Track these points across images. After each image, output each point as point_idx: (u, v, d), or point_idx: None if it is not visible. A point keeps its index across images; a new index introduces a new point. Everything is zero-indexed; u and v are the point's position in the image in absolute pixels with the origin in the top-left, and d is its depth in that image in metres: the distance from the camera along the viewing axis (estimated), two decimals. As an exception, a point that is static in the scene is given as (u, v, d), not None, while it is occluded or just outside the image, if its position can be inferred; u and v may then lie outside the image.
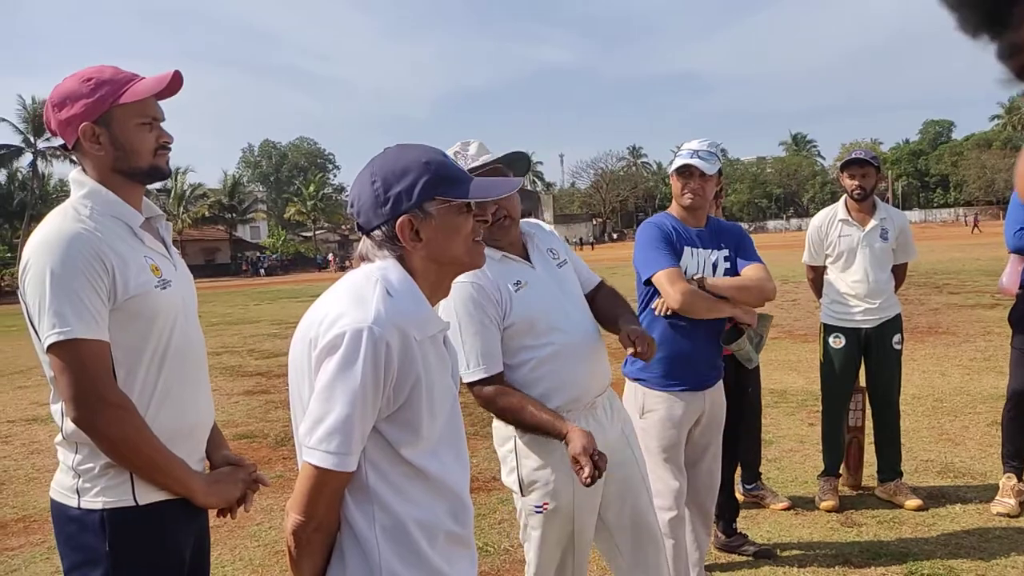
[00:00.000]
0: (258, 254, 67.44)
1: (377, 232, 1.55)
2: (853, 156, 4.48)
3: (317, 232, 78.93)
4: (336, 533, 1.50)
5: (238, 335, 15.14)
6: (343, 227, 77.77)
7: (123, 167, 1.82)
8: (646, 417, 3.08)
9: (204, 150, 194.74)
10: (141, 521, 1.77)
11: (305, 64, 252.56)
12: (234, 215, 68.58)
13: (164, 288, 1.82)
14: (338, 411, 1.40)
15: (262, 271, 59.18)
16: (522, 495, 2.43)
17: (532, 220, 2.69)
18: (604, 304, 2.63)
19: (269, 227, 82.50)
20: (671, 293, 2.97)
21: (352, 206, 1.59)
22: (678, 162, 3.16)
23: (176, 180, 62.37)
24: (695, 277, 3.08)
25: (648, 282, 3.10)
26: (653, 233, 3.12)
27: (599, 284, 2.71)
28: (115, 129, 1.80)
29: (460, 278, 2.26)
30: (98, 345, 1.70)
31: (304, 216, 77.96)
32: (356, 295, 1.49)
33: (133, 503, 1.76)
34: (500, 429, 2.48)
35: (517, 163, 2.41)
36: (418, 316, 1.50)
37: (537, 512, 2.42)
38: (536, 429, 2.31)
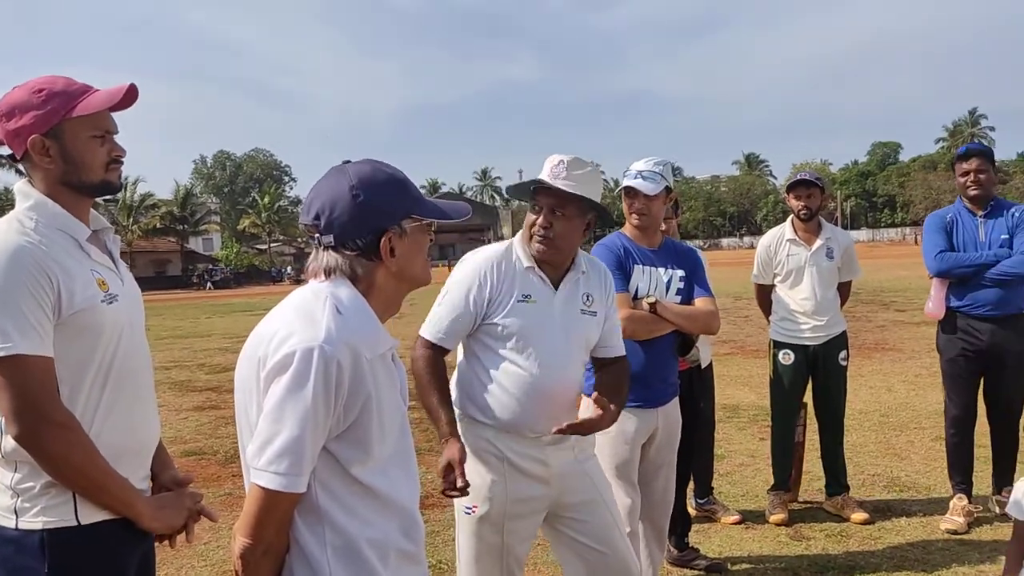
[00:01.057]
0: (210, 266, 66.24)
1: (351, 245, 1.51)
2: (799, 178, 4.61)
3: (272, 245, 77.89)
4: (285, 555, 1.47)
5: (188, 349, 14.83)
6: (298, 240, 76.90)
7: (73, 180, 1.77)
8: (598, 434, 3.08)
9: (156, 160, 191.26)
10: (83, 542, 1.71)
11: (263, 76, 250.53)
12: (186, 226, 67.32)
13: (110, 303, 1.77)
14: (288, 431, 1.38)
15: (209, 285, 57.47)
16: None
17: (600, 263, 2.70)
18: (608, 379, 2.62)
19: (223, 239, 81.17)
20: None
21: (319, 217, 1.52)
22: (624, 183, 3.22)
23: (126, 190, 61.07)
24: (648, 300, 3.11)
25: None
26: (603, 255, 3.14)
27: (619, 358, 2.67)
28: (66, 142, 1.74)
29: (477, 256, 2.45)
30: (42, 361, 1.64)
31: (259, 228, 76.90)
32: (305, 313, 1.46)
33: (75, 523, 1.70)
34: None
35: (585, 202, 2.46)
36: (369, 334, 1.49)
37: (466, 513, 2.46)
38: (427, 412, 2.44)
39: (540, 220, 2.44)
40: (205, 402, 8.94)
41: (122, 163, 1.86)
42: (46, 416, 1.64)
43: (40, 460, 1.66)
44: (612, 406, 2.45)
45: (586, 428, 2.41)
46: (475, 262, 2.49)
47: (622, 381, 2.66)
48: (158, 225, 62.24)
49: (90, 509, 1.72)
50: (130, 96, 1.80)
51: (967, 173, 4.27)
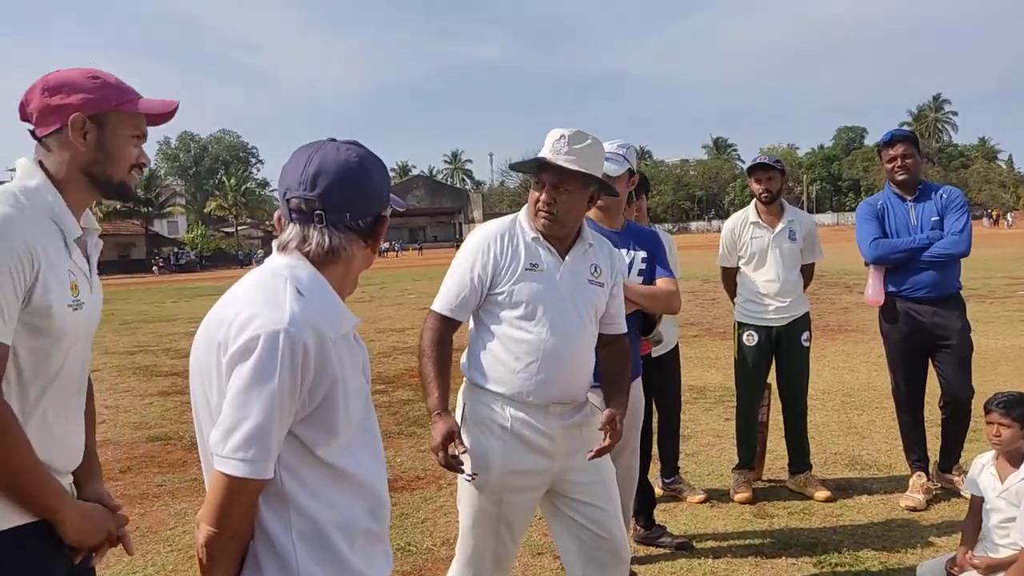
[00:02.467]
0: (175, 249, 65.25)
1: (353, 225, 1.51)
2: (758, 161, 4.64)
3: (240, 228, 76.91)
4: (250, 541, 1.45)
5: (153, 334, 14.63)
6: (266, 223, 76.00)
7: (97, 172, 1.74)
8: None
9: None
10: (2, 548, 1.59)
11: (228, 53, 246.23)
12: (150, 209, 66.22)
13: (76, 309, 1.70)
14: (255, 417, 1.36)
15: (155, 269, 56.11)
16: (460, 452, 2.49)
17: (603, 238, 2.72)
18: (609, 363, 2.66)
19: (188, 222, 79.93)
20: None
21: (327, 193, 1.47)
22: None
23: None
24: None
25: None
26: None
27: (619, 336, 2.70)
28: (107, 131, 1.73)
29: (483, 229, 2.52)
30: None
31: (226, 211, 75.86)
32: (267, 295, 1.43)
33: None
34: (460, 390, 2.59)
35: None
36: (332, 315, 1.48)
37: (467, 480, 2.48)
38: (422, 383, 2.49)
39: (544, 196, 2.46)
40: (170, 387, 8.83)
41: (144, 171, 1.89)
42: None
43: None
44: (613, 412, 2.50)
45: (609, 443, 2.49)
46: (481, 234, 2.53)
47: (625, 363, 2.71)
48: (119, 207, 60.98)
49: (7, 511, 1.60)
50: (173, 113, 1.83)
51: (894, 159, 4.35)
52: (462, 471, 2.42)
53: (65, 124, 1.69)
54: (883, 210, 4.42)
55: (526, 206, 2.58)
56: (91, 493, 1.85)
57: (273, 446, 1.38)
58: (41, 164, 1.72)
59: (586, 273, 2.55)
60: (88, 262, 1.81)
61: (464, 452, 2.38)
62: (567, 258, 2.52)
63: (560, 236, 2.53)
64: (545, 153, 2.45)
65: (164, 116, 1.83)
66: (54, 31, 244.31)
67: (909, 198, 4.37)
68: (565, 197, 2.46)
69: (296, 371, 1.37)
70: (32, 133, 1.74)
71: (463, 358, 2.61)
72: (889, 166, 4.40)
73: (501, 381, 2.46)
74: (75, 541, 1.71)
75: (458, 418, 2.53)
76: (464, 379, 2.60)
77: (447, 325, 2.54)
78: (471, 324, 2.62)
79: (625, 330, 2.72)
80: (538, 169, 2.50)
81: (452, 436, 2.38)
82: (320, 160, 1.50)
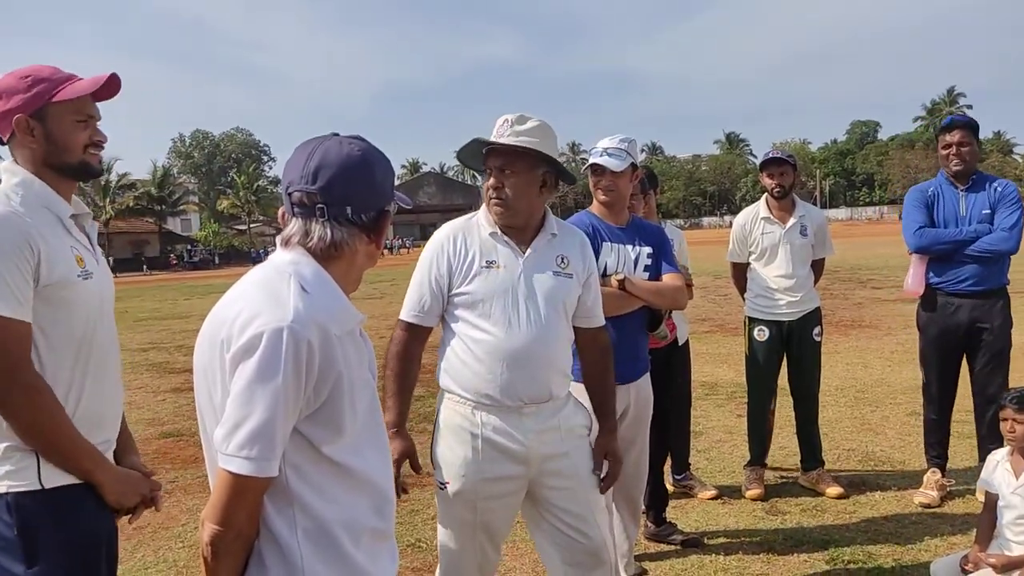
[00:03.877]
0: (189, 247, 65.56)
1: (356, 219, 1.50)
2: (771, 156, 4.59)
3: (252, 225, 77.16)
4: (255, 540, 1.45)
5: (167, 331, 14.71)
6: (278, 220, 76.06)
7: (54, 161, 1.88)
8: None
9: (132, 139, 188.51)
10: (49, 505, 1.77)
11: (240, 54, 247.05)
12: (164, 207, 66.51)
13: (86, 279, 1.86)
14: (259, 415, 1.35)
15: (144, 267, 56.00)
16: (433, 467, 2.49)
17: (576, 229, 2.66)
18: (591, 365, 2.64)
19: (202, 220, 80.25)
20: None
21: (329, 187, 1.47)
22: (589, 160, 3.21)
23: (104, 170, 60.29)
24: (617, 277, 3.09)
25: None
26: None
27: (597, 330, 2.64)
28: (49, 124, 1.86)
29: (439, 232, 2.48)
30: (17, 324, 1.71)
31: (238, 209, 76.07)
32: (270, 292, 1.42)
33: (39, 487, 1.76)
34: (438, 400, 2.55)
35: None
36: (337, 311, 1.47)
37: (440, 488, 2.46)
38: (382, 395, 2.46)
39: (491, 182, 2.41)
40: (183, 384, 8.87)
41: (102, 148, 1.97)
42: (15, 377, 1.71)
43: (8, 420, 1.73)
44: (608, 443, 2.56)
45: (610, 478, 2.57)
46: (436, 237, 2.49)
47: (607, 359, 2.66)
48: (132, 205, 61.31)
49: (54, 473, 1.78)
50: (112, 84, 1.92)
51: (949, 146, 4.19)
52: (403, 493, 2.37)
53: (13, 130, 1.86)
54: (933, 197, 4.26)
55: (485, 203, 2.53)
56: (127, 463, 2.05)
57: (278, 444, 1.37)
58: (18, 162, 1.89)
59: (551, 264, 2.46)
60: (89, 239, 1.98)
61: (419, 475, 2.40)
62: (528, 251, 2.45)
63: (518, 226, 2.45)
64: (489, 137, 2.40)
65: (103, 93, 1.93)
66: (68, 34, 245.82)
67: (961, 187, 4.21)
68: (513, 180, 2.39)
69: (300, 368, 1.36)
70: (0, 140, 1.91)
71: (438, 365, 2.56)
72: (944, 152, 4.22)
73: (468, 385, 2.40)
74: (113, 502, 1.90)
75: (434, 424, 2.52)
76: (441, 386, 2.55)
77: (414, 334, 2.49)
78: (441, 330, 2.57)
79: (603, 323, 2.66)
80: (486, 153, 2.44)
81: (407, 456, 2.38)
82: (322, 154, 1.49)
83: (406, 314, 2.49)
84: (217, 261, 60.55)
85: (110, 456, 1.97)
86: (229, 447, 1.36)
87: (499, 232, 2.44)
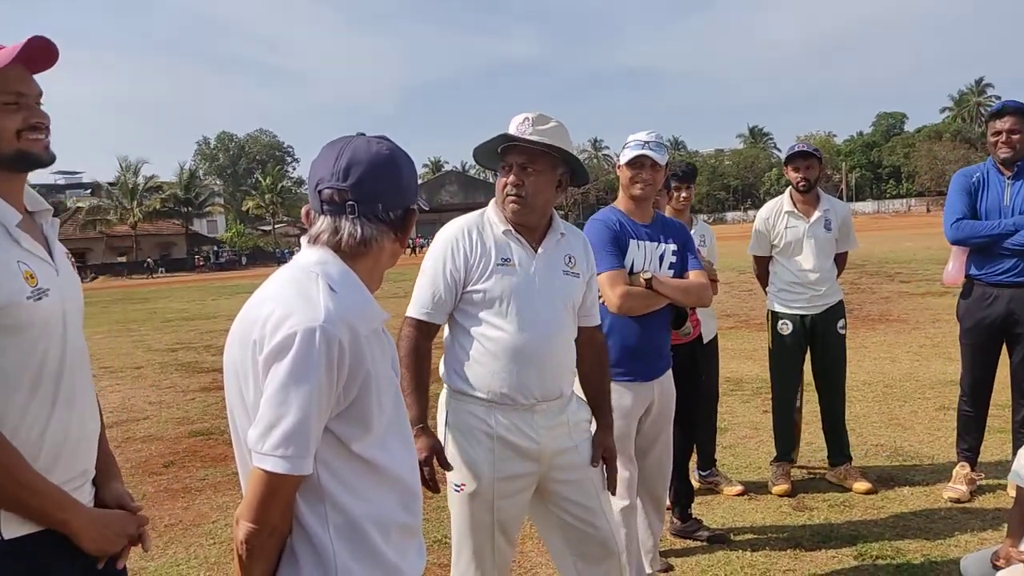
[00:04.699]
0: (215, 248, 66.29)
1: (384, 216, 1.52)
2: (796, 149, 4.55)
3: (276, 226, 77.85)
4: (287, 536, 1.47)
5: (195, 331, 14.90)
6: (303, 219, 76.64)
7: None
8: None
9: (159, 143, 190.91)
10: (11, 557, 1.54)
11: (263, 55, 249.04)
12: (190, 209, 67.31)
13: (38, 299, 1.58)
14: (293, 415, 1.36)
15: (157, 271, 55.92)
16: (445, 470, 2.46)
17: (578, 230, 2.68)
18: (588, 363, 2.64)
19: (227, 221, 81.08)
20: (611, 296, 3.00)
21: (360, 184, 1.49)
22: (630, 154, 3.15)
23: (127, 172, 61.25)
24: (644, 276, 3.08)
25: None
26: (599, 231, 3.10)
27: (594, 329, 2.66)
28: None
29: (449, 228, 2.44)
30: None
31: (262, 210, 76.79)
32: (300, 293, 1.44)
33: None
34: (440, 397, 2.54)
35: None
36: (364, 310, 1.49)
37: (455, 491, 2.46)
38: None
39: (511, 179, 2.40)
40: (212, 383, 8.99)
41: (43, 130, 1.63)
42: None
43: None
44: (606, 444, 2.59)
45: (611, 478, 2.61)
46: (448, 233, 2.46)
47: (604, 357, 2.68)
48: (158, 207, 62.11)
49: (16, 522, 1.55)
50: (40, 51, 1.58)
51: (999, 133, 4.07)
52: (437, 490, 2.38)
53: None
54: (978, 184, 4.15)
55: (493, 200, 2.52)
56: (110, 493, 1.79)
57: (312, 442, 1.39)
58: None
59: (560, 264, 2.48)
60: (47, 245, 1.69)
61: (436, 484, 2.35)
62: (540, 250, 2.45)
63: (531, 225, 2.46)
64: (511, 133, 2.38)
65: (37, 63, 1.61)
66: (92, 34, 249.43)
67: (1008, 175, 4.10)
68: (534, 179, 2.39)
69: (332, 367, 1.38)
70: None
71: (440, 364, 2.53)
72: (993, 139, 4.11)
73: (482, 384, 2.39)
74: (93, 549, 1.65)
75: (441, 425, 2.49)
76: (444, 385, 2.53)
77: (423, 331, 2.46)
78: (446, 328, 2.55)
79: (599, 322, 2.68)
80: (503, 153, 2.43)
81: (435, 453, 2.37)
82: (352, 152, 1.51)
83: (416, 311, 2.45)
84: (244, 262, 61.14)
85: (89, 488, 1.73)
86: (264, 446, 1.38)
87: (512, 230, 2.44)
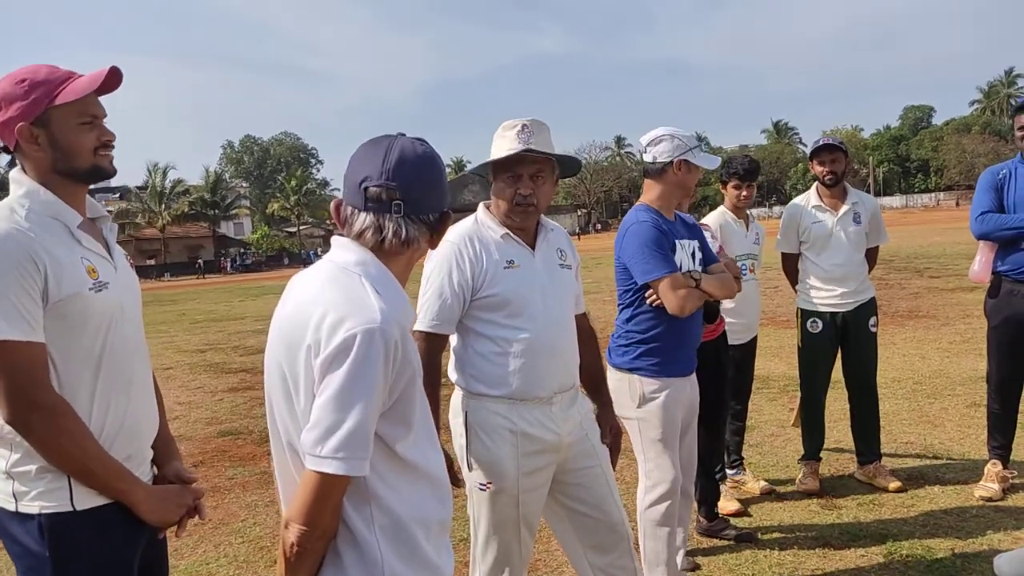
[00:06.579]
0: (242, 250, 67.03)
1: (425, 217, 1.54)
2: (822, 143, 4.50)
3: (301, 228, 78.47)
4: (333, 537, 1.48)
5: (223, 332, 15.07)
6: (327, 222, 77.29)
7: (63, 168, 1.78)
8: (646, 406, 3.08)
9: (186, 146, 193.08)
10: (81, 527, 1.71)
11: (287, 56, 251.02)
12: (217, 211, 68.09)
13: (99, 291, 1.76)
14: (355, 417, 1.37)
15: (166, 274, 56.43)
16: (468, 470, 2.48)
17: (557, 224, 2.73)
18: (586, 352, 2.70)
19: (253, 223, 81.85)
20: (672, 300, 2.99)
21: (407, 184, 1.51)
22: (712, 161, 3.22)
23: (155, 176, 62.10)
24: (693, 276, 3.08)
25: (645, 284, 3.08)
26: (651, 234, 3.05)
27: (582, 316, 2.74)
28: (53, 130, 1.75)
29: (448, 238, 2.44)
30: (28, 347, 1.64)
31: (288, 212, 77.44)
32: (349, 295, 1.44)
33: (71, 508, 1.70)
34: (454, 401, 2.56)
35: (567, 165, 2.60)
36: (406, 309, 1.51)
37: (481, 490, 2.48)
38: None
39: (522, 189, 2.43)
40: (240, 383, 9.09)
41: (112, 147, 1.85)
42: (34, 401, 1.65)
43: (31, 444, 1.67)
44: (610, 420, 2.73)
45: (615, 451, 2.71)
46: (448, 243, 2.44)
47: (595, 341, 2.78)
48: (187, 210, 62.88)
49: (86, 494, 1.72)
50: (112, 79, 1.79)
51: None
52: (460, 484, 2.42)
53: (16, 139, 1.75)
54: (1004, 179, 4.09)
55: (482, 204, 2.56)
56: (169, 471, 1.97)
57: (370, 443, 1.40)
58: (25, 170, 1.80)
59: (555, 258, 2.58)
60: (107, 245, 1.88)
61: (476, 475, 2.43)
62: (537, 249, 2.53)
63: (528, 227, 2.52)
64: (518, 146, 2.40)
65: (103, 89, 1.80)
66: (121, 40, 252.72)
67: None
68: (544, 187, 2.47)
69: (388, 368, 1.40)
70: (4, 148, 1.81)
71: (450, 369, 2.56)
72: (1020, 134, 4.05)
73: (502, 384, 2.42)
74: (153, 520, 1.83)
75: (460, 428, 2.50)
76: (458, 389, 2.54)
77: (433, 343, 2.46)
78: (454, 339, 2.56)
79: (584, 309, 2.77)
80: (509, 160, 2.43)
81: (450, 464, 2.38)
82: (400, 152, 1.52)
83: (426, 324, 2.45)
84: (267, 263, 61.77)
85: (146, 464, 1.92)
86: (324, 450, 1.38)
87: (509, 233, 2.49)
